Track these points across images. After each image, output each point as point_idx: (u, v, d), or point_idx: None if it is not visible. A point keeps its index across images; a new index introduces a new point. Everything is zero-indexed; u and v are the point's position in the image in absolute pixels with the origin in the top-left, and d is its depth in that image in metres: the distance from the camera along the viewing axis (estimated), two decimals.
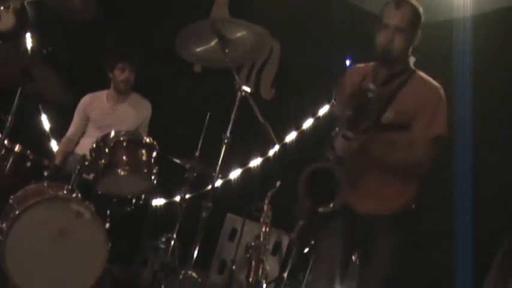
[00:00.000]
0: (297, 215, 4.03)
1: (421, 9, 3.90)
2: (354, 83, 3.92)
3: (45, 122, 6.77)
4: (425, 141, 3.85)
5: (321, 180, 3.71)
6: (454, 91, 5.76)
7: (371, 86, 3.63)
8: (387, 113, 3.78)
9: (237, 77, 4.71)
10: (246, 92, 4.68)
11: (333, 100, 4.25)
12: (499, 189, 5.79)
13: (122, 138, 5.17)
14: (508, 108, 6.11)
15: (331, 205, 3.69)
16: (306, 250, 4.24)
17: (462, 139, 5.89)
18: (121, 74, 6.10)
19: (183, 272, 4.90)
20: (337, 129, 3.74)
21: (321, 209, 3.71)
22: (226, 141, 4.69)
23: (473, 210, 5.82)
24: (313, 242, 4.12)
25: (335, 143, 3.69)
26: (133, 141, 5.25)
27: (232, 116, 4.68)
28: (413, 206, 4.00)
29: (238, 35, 4.85)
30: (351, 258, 4.21)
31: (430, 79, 3.96)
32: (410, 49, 3.94)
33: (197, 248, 4.73)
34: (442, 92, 3.93)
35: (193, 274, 5.03)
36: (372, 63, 4.03)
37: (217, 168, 4.71)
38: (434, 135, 3.86)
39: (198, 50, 4.95)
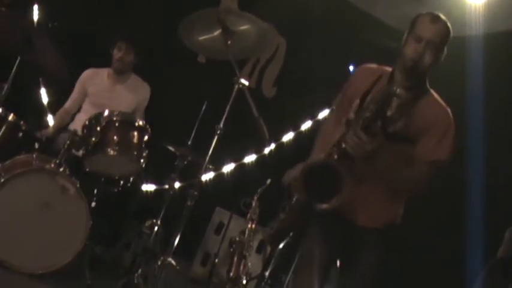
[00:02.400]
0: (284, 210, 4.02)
1: (450, 28, 3.82)
2: (366, 82, 3.80)
3: (44, 96, 6.77)
4: (426, 162, 3.79)
5: (321, 176, 3.62)
6: (465, 108, 5.77)
7: (399, 91, 3.51)
8: (398, 122, 3.67)
9: (236, 69, 4.70)
10: (244, 84, 4.67)
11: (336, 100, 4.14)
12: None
13: (115, 118, 5.18)
14: None
15: (329, 204, 3.59)
16: (281, 246, 4.22)
17: (474, 156, 5.89)
18: (117, 53, 6.11)
19: (162, 258, 4.89)
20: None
21: (316, 207, 3.62)
22: (219, 132, 4.69)
23: (484, 232, 5.82)
24: (289, 238, 4.10)
25: (346, 138, 3.60)
26: (126, 123, 5.25)
27: (228, 107, 4.68)
28: (397, 222, 3.97)
29: (243, 28, 4.84)
30: (334, 264, 4.18)
31: (441, 101, 3.88)
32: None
33: (179, 236, 4.73)
34: (451, 115, 3.86)
35: (172, 261, 5.01)
36: (387, 68, 3.94)
37: (207, 158, 4.71)
38: (436, 158, 3.79)
39: (201, 38, 4.95)
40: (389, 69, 3.93)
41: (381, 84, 3.78)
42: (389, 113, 3.54)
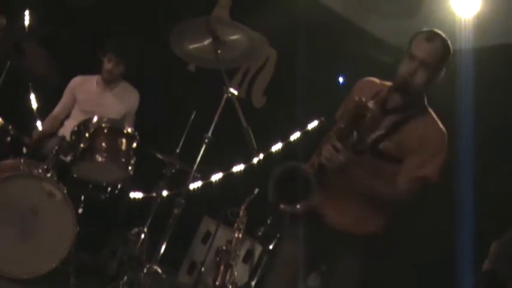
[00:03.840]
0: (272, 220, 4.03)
1: (451, 46, 3.78)
2: (364, 95, 3.74)
3: (33, 101, 6.75)
4: (410, 178, 3.75)
5: (295, 180, 3.61)
6: (455, 121, 5.79)
7: (371, 105, 3.52)
8: (387, 141, 3.73)
9: (225, 79, 4.71)
10: (233, 94, 4.68)
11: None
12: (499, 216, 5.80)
13: (103, 125, 5.16)
14: (509, 139, 6.14)
15: (294, 207, 3.62)
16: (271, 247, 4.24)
17: (463, 169, 5.91)
18: (107, 64, 6.11)
19: (148, 266, 4.89)
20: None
21: (283, 207, 3.64)
22: (207, 140, 4.70)
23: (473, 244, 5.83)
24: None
25: (323, 149, 3.61)
26: (115, 130, 5.24)
27: (216, 116, 4.70)
28: (377, 233, 3.93)
29: (233, 37, 4.85)
30: (313, 267, 4.19)
31: (439, 122, 3.84)
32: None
33: (165, 244, 4.74)
34: (446, 139, 3.82)
35: (158, 269, 5.01)
36: (387, 83, 3.91)
37: (195, 167, 4.72)
38: (422, 175, 3.75)
39: (192, 47, 4.96)
40: (388, 84, 3.91)
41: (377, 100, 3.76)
42: (363, 125, 3.57)
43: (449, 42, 3.77)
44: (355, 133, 3.60)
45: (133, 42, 6.45)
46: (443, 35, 3.77)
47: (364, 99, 3.58)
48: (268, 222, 4.03)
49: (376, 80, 4.01)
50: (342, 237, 3.87)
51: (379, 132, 3.74)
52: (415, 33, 3.81)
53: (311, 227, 3.86)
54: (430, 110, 3.87)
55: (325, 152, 3.58)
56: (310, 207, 3.66)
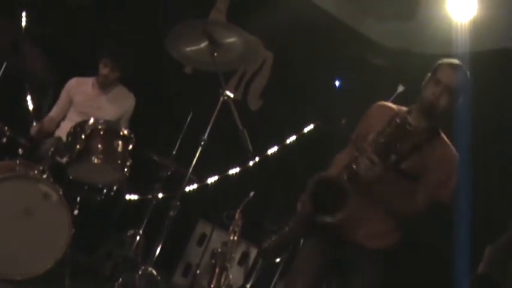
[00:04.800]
0: (269, 228, 4.04)
1: (469, 78, 4.00)
2: (381, 120, 3.92)
3: (30, 103, 6.75)
4: (428, 197, 3.91)
5: (328, 191, 3.72)
6: (451, 127, 5.80)
7: (412, 121, 3.69)
8: (408, 161, 3.81)
9: (222, 81, 4.72)
10: (229, 96, 4.70)
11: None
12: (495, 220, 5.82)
13: (100, 127, 5.15)
14: (505, 143, 6.17)
15: (332, 218, 3.67)
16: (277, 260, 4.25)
17: (459, 173, 5.91)
18: (103, 69, 6.10)
19: (143, 268, 4.90)
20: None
21: (320, 218, 3.68)
22: (203, 143, 4.72)
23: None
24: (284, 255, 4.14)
25: (356, 164, 3.72)
26: (111, 131, 5.22)
27: (212, 118, 4.71)
28: (394, 247, 4.05)
29: (229, 40, 4.87)
30: (324, 282, 4.20)
31: (451, 145, 4.03)
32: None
33: (160, 246, 4.75)
34: (458, 162, 4.02)
35: (153, 271, 5.02)
36: (402, 108, 4.07)
37: (191, 169, 4.73)
38: (439, 197, 3.95)
39: (188, 49, 4.97)
40: (404, 109, 4.06)
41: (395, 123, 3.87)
42: (404, 145, 3.70)
43: (468, 75, 3.99)
44: (395, 146, 3.71)
45: (129, 48, 6.46)
46: (465, 67, 3.97)
47: (405, 114, 3.77)
48: (279, 232, 4.05)
49: (391, 104, 4.17)
50: (359, 251, 3.97)
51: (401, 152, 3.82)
52: (439, 62, 3.98)
53: (329, 240, 3.97)
54: (443, 135, 4.04)
55: (361, 165, 3.68)
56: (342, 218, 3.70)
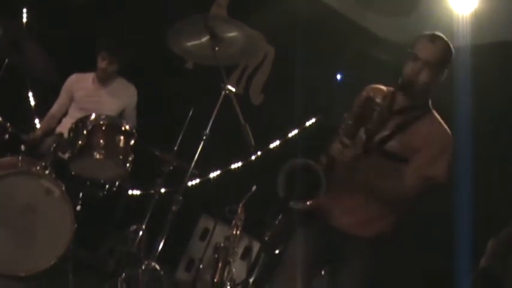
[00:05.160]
0: (271, 222, 4.03)
1: (453, 48, 3.86)
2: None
3: (31, 99, 6.76)
4: (418, 177, 3.78)
5: (303, 176, 3.64)
6: (453, 118, 5.81)
7: (378, 100, 3.63)
8: (393, 142, 3.78)
9: (223, 76, 4.72)
10: (231, 91, 4.70)
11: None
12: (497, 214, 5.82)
13: (101, 122, 5.15)
14: (507, 136, 6.18)
15: (303, 204, 3.64)
16: (277, 251, 4.23)
17: (462, 167, 5.91)
18: (101, 63, 6.11)
19: (146, 263, 4.90)
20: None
21: (292, 204, 3.65)
22: (205, 137, 4.73)
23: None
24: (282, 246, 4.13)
25: (332, 146, 3.66)
26: (113, 127, 5.23)
27: (214, 113, 4.72)
28: (386, 233, 3.96)
29: (231, 34, 4.87)
30: (317, 270, 4.19)
31: (443, 123, 3.91)
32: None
33: (163, 241, 4.76)
34: (451, 140, 3.89)
35: (156, 266, 5.03)
36: (392, 88, 3.96)
37: (193, 164, 4.73)
38: (430, 175, 3.80)
39: (189, 44, 4.97)
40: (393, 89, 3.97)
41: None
42: (371, 119, 3.64)
43: (451, 45, 3.84)
44: (364, 126, 3.67)
45: (125, 40, 6.46)
46: (445, 38, 3.83)
47: (371, 95, 3.69)
48: (276, 224, 4.03)
49: (383, 87, 4.06)
50: (349, 239, 3.89)
51: (385, 133, 3.78)
52: (417, 37, 3.87)
53: (319, 228, 3.92)
54: (434, 112, 3.93)
55: (334, 149, 3.63)
56: (318, 206, 3.69)
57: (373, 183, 3.81)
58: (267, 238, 4.13)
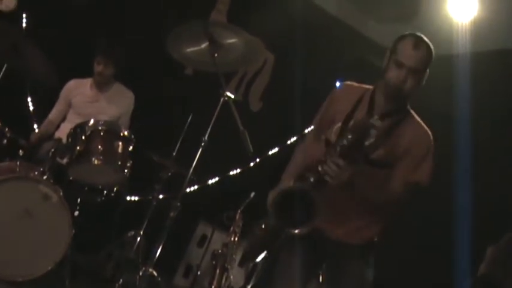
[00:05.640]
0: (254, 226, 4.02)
1: (433, 49, 3.76)
2: (347, 103, 3.84)
3: (30, 104, 6.75)
4: (403, 183, 3.78)
5: (296, 199, 3.59)
6: (452, 127, 5.80)
7: (377, 123, 3.46)
8: (379, 150, 3.73)
9: (222, 82, 4.72)
10: (229, 97, 4.70)
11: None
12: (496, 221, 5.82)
13: (100, 128, 5.16)
14: (506, 143, 6.19)
15: (301, 229, 3.58)
16: (259, 260, 4.20)
17: (461, 173, 5.92)
18: (97, 67, 6.11)
19: (143, 269, 4.89)
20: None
21: (289, 230, 3.61)
22: (203, 144, 4.72)
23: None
24: (265, 253, 4.09)
25: (321, 166, 3.54)
26: (111, 132, 5.24)
27: (213, 119, 4.71)
28: (376, 239, 3.98)
29: (230, 41, 4.87)
30: (310, 282, 4.18)
31: (423, 124, 3.88)
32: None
33: (161, 247, 4.75)
34: (432, 140, 3.86)
35: (154, 272, 5.02)
36: (368, 87, 3.94)
37: (191, 170, 4.73)
38: (414, 181, 3.80)
39: (189, 50, 4.98)
40: (370, 87, 3.93)
41: (363, 106, 3.82)
42: (367, 143, 3.49)
43: (431, 45, 3.76)
44: (361, 150, 3.55)
45: (119, 42, 6.45)
46: (426, 39, 3.76)
47: (368, 117, 3.55)
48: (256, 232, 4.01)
49: (355, 84, 4.03)
50: (343, 247, 3.89)
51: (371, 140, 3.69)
52: (398, 38, 3.80)
53: (309, 240, 3.84)
54: (413, 112, 3.90)
55: (327, 168, 3.51)
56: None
57: (359, 192, 3.77)
58: (247, 247, 4.13)
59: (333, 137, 3.80)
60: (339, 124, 3.80)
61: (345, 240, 3.88)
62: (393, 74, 3.72)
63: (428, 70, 3.78)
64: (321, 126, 4.00)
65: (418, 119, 3.90)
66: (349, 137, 3.51)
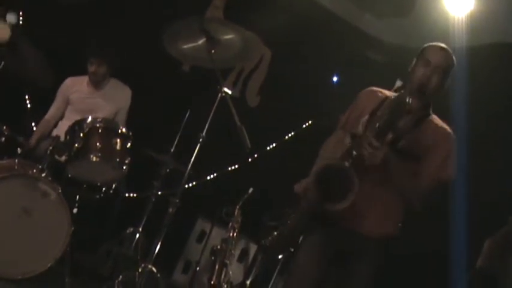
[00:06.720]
0: (268, 224, 4.04)
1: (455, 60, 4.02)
2: (374, 101, 4.01)
3: (28, 102, 6.75)
4: (434, 179, 3.92)
5: (332, 178, 3.72)
6: (449, 119, 5.81)
7: (409, 100, 3.68)
8: (404, 141, 3.86)
9: (219, 78, 4.73)
10: (227, 93, 4.70)
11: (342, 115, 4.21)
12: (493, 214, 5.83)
13: (98, 125, 5.18)
14: (502, 138, 6.21)
15: (340, 205, 3.66)
16: (280, 256, 4.23)
17: (457, 167, 5.92)
18: (90, 67, 6.11)
19: (142, 265, 4.89)
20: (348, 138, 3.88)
21: (329, 207, 3.69)
22: (201, 140, 4.73)
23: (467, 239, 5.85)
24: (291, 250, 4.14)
25: (356, 150, 3.71)
26: (109, 129, 5.26)
27: (210, 115, 4.72)
28: (396, 233, 4.05)
29: (227, 37, 4.87)
30: (326, 276, 4.19)
31: (445, 124, 4.05)
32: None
33: (160, 244, 4.75)
34: (454, 138, 4.04)
35: (153, 269, 5.02)
36: (390, 92, 4.11)
37: (189, 166, 4.73)
38: (445, 178, 3.97)
39: (186, 47, 4.97)
40: (393, 93, 4.07)
41: (388, 103, 3.93)
42: (400, 124, 3.74)
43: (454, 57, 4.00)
44: (395, 127, 3.74)
45: (110, 40, 6.45)
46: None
47: (405, 95, 3.73)
48: (281, 229, 4.05)
49: (380, 89, 4.15)
50: (364, 242, 3.97)
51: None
52: (425, 45, 4.02)
53: (325, 236, 3.97)
54: (434, 115, 4.05)
55: (363, 149, 3.68)
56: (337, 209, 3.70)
57: (388, 183, 3.89)
58: (269, 242, 4.14)
59: (360, 129, 3.92)
60: (366, 117, 3.94)
61: (368, 233, 3.95)
62: (420, 71, 3.91)
63: (449, 78, 3.97)
64: (348, 124, 4.11)
65: (440, 121, 4.05)
66: (384, 116, 3.71)
